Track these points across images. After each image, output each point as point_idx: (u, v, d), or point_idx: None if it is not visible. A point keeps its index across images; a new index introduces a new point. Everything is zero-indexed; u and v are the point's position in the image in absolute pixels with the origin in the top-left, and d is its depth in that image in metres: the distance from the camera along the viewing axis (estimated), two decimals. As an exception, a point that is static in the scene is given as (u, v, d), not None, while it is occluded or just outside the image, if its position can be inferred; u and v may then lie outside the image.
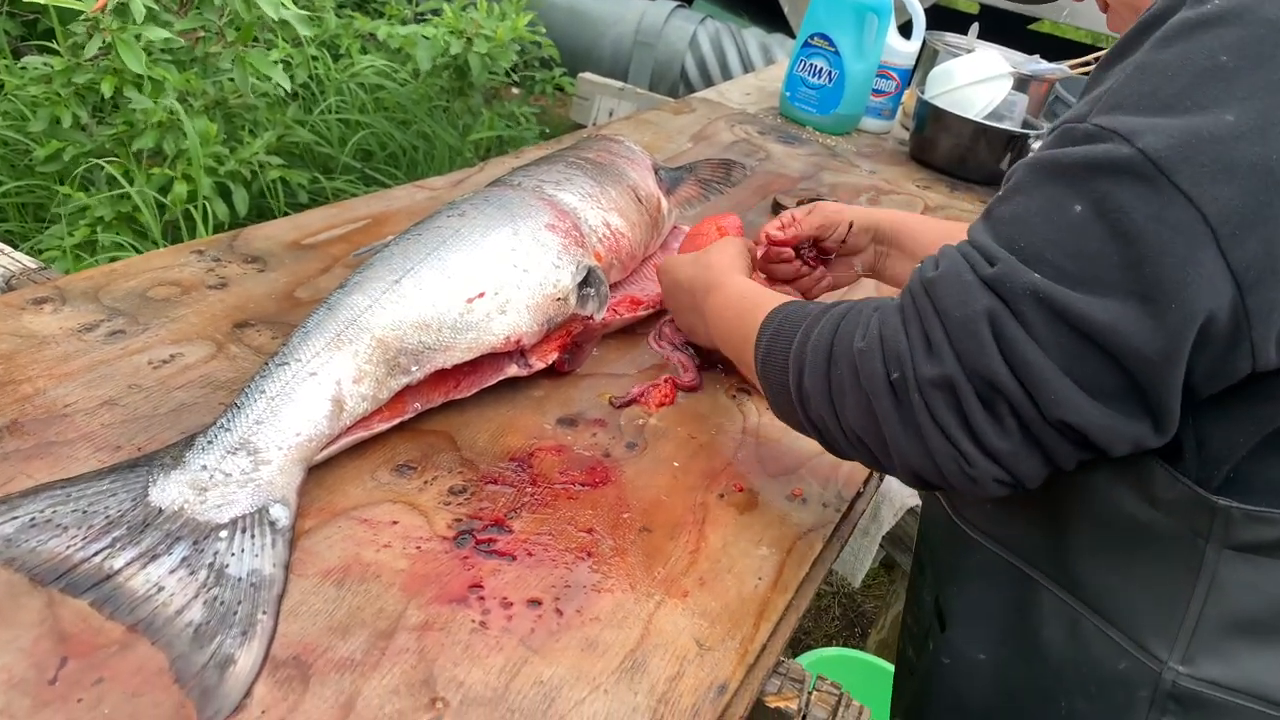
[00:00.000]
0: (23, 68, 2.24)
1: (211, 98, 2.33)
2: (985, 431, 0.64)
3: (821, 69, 2.18)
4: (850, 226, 1.11)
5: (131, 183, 2.15)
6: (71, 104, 2.14)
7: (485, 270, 0.97)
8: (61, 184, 2.18)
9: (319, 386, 0.82)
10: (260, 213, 2.40)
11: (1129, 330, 0.58)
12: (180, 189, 2.16)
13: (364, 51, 2.68)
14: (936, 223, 1.13)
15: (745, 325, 0.87)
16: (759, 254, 1.12)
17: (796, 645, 2.44)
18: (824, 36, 2.16)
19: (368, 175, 2.65)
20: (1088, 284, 0.59)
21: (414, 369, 0.89)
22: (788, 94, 2.26)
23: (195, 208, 2.13)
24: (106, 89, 2.12)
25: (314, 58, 2.58)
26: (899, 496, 2.06)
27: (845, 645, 2.33)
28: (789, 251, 1.12)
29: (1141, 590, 0.70)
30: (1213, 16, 0.58)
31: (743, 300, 0.93)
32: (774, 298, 0.89)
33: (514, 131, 3.09)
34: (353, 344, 0.86)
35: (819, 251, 1.14)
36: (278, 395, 0.80)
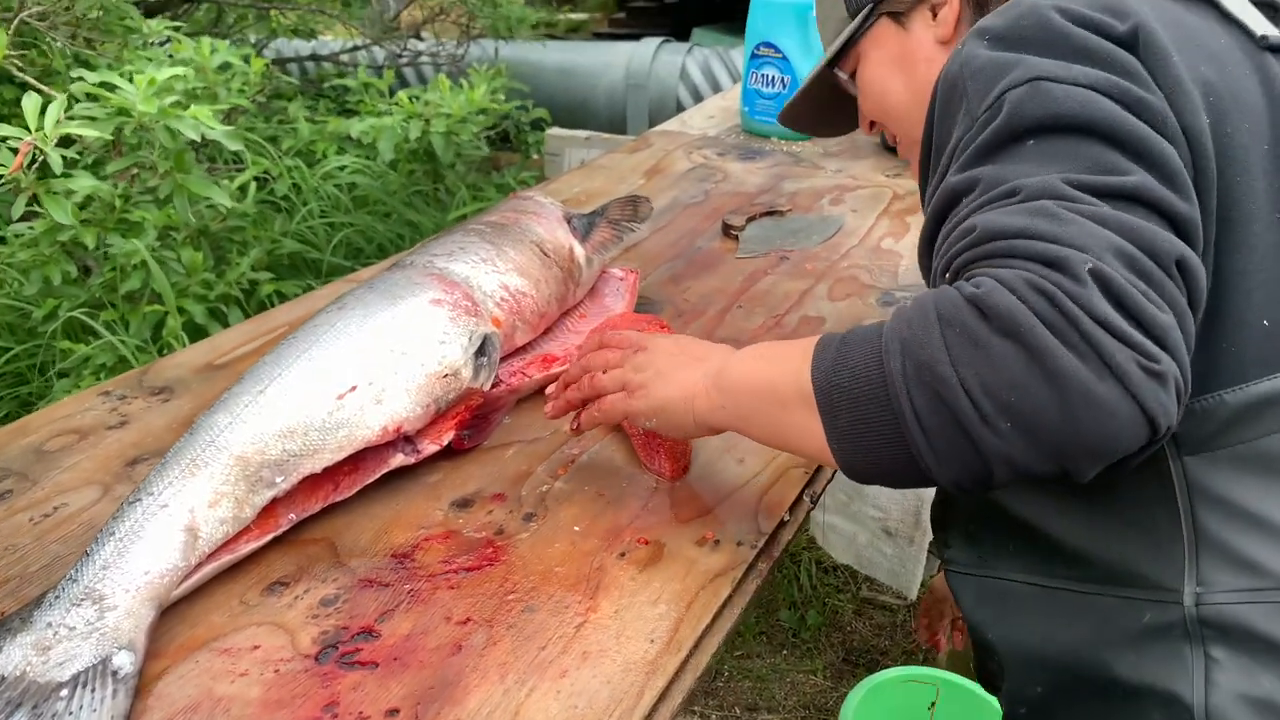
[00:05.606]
0: (17, 236, 2.33)
1: (194, 227, 2.39)
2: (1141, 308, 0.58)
3: (773, 77, 2.12)
4: None
5: (127, 325, 2.21)
6: (60, 260, 2.22)
7: (356, 361, 0.94)
8: (67, 338, 2.25)
9: (170, 519, 0.80)
10: (259, 328, 2.43)
11: None
12: (173, 323, 2.20)
13: (340, 151, 2.72)
14: None
15: (787, 363, 0.74)
16: None
17: (873, 667, 2.32)
18: (769, 44, 2.11)
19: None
20: None
21: (279, 480, 0.86)
22: (746, 109, 2.20)
23: (177, 339, 2.16)
24: (90, 240, 2.19)
25: (291, 168, 2.63)
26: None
27: (913, 663, 2.20)
28: None
29: (1133, 531, 0.70)
30: None
31: (768, 349, 0.80)
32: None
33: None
34: (208, 467, 0.84)
35: None
36: (126, 535, 0.78)
